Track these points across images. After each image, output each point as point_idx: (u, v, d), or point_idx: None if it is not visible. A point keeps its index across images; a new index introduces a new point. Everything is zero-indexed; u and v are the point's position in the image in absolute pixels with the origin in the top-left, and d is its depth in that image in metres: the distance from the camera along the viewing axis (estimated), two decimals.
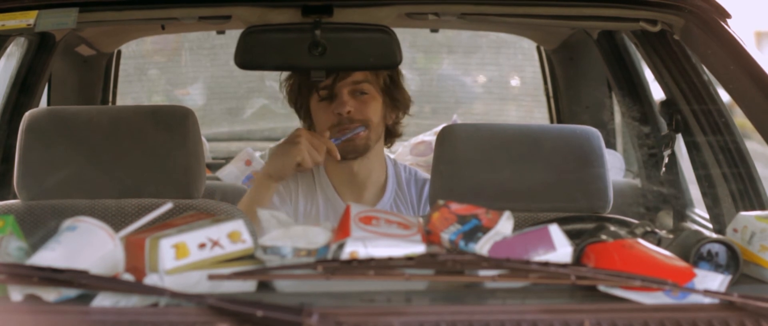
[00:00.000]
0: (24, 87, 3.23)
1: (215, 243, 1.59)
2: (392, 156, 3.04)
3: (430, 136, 3.68)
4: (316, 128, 2.85)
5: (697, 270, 1.60)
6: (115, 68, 4.20)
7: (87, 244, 1.60)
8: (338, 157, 2.75)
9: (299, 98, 2.89)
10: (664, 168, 3.09)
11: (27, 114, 2.53)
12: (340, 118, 2.78)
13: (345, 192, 2.87)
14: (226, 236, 1.61)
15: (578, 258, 1.64)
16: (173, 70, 5.12)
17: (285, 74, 2.94)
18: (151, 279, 1.56)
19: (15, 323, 1.49)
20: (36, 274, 1.50)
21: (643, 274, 1.54)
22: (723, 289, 1.58)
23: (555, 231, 1.62)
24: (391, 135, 2.95)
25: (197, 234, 1.59)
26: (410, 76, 2.97)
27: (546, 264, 1.55)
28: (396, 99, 2.87)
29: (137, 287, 1.54)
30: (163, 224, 1.68)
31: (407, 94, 2.92)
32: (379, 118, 2.83)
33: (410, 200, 2.91)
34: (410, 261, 1.54)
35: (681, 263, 1.60)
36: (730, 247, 1.69)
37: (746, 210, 2.40)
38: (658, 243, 1.71)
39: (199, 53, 4.99)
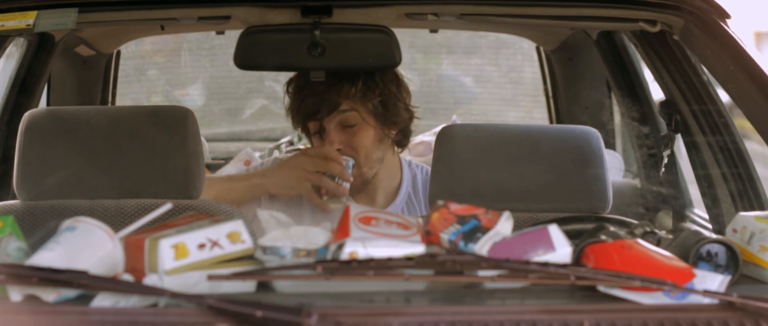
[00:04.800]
0: (23, 87, 3.22)
1: (214, 244, 1.59)
2: (407, 158, 2.99)
3: (429, 137, 3.67)
4: None
5: (696, 271, 1.59)
6: (115, 69, 4.20)
7: (86, 245, 1.59)
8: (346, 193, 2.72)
9: (299, 125, 2.85)
10: (663, 169, 3.08)
11: (26, 114, 2.52)
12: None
13: (356, 194, 2.85)
14: (226, 236, 1.61)
15: (578, 259, 1.64)
16: (172, 70, 5.11)
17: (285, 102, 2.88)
18: (150, 280, 1.56)
19: (14, 323, 1.48)
20: (35, 275, 1.50)
21: (643, 274, 1.54)
22: (722, 290, 1.58)
23: (554, 231, 1.62)
24: (401, 143, 2.87)
25: (197, 235, 1.59)
26: (409, 77, 2.94)
27: (545, 264, 1.55)
28: (389, 119, 2.78)
29: (137, 287, 1.54)
30: (162, 224, 1.68)
31: (403, 108, 2.80)
32: (371, 147, 2.77)
33: (425, 204, 2.88)
34: (410, 261, 1.54)
35: (680, 263, 1.60)
36: (729, 248, 1.69)
37: (745, 210, 2.40)
38: (658, 244, 1.71)
39: (199, 54, 4.98)
